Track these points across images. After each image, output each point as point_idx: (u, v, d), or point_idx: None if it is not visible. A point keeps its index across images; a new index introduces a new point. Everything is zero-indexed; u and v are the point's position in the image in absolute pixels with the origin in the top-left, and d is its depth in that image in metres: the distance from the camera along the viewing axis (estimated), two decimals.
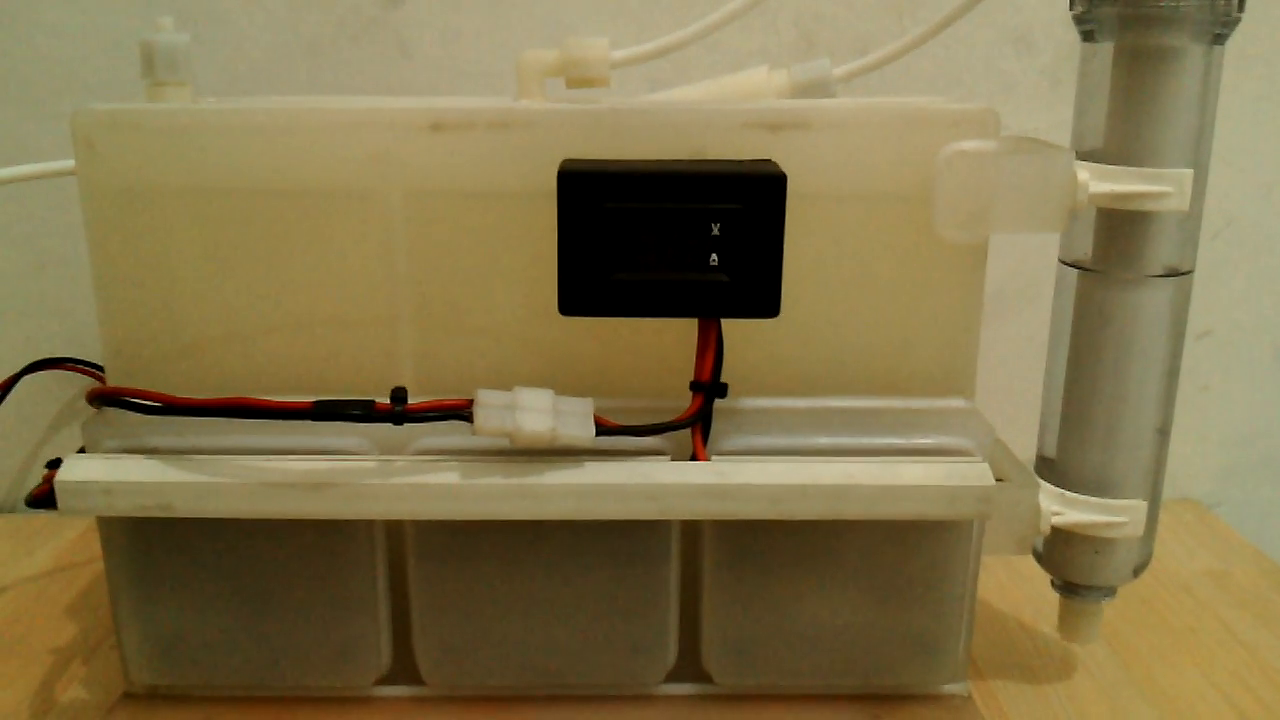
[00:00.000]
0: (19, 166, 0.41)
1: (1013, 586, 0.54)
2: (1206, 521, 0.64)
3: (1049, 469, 0.43)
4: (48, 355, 0.60)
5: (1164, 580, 0.56)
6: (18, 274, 0.63)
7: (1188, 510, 0.65)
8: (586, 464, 0.37)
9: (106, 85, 0.59)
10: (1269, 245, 0.62)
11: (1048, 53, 0.59)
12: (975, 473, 0.37)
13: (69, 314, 0.63)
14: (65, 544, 0.61)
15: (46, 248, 0.63)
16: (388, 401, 0.36)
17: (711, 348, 0.37)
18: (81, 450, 0.39)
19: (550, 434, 0.36)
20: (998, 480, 0.39)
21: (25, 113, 0.60)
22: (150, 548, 0.40)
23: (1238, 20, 0.39)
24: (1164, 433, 0.42)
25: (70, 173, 0.39)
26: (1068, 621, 0.45)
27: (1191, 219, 0.40)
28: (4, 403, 0.59)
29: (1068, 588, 0.44)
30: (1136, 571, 0.44)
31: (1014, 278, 0.60)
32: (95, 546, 0.60)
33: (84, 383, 0.64)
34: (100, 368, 0.58)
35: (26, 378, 0.59)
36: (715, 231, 0.35)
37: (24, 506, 0.66)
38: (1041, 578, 0.45)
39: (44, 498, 0.38)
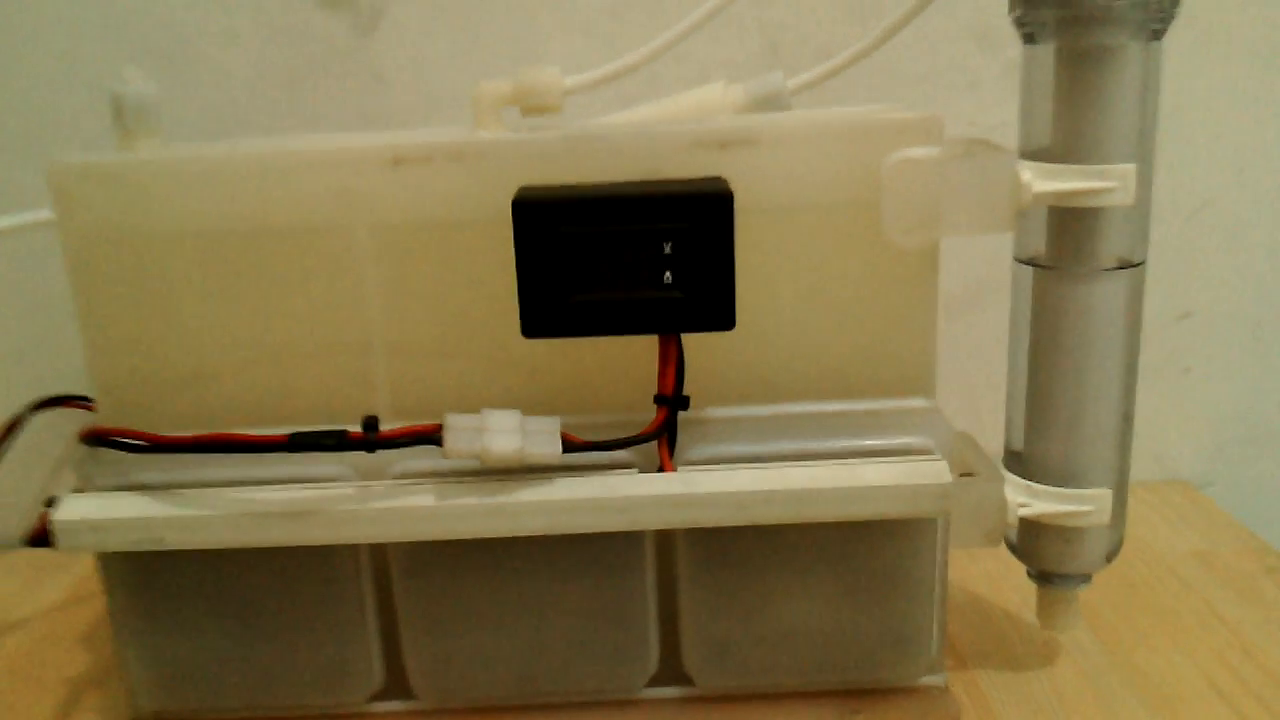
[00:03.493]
0: (2, 218, 0.43)
1: (1000, 575, 0.55)
2: (1196, 502, 0.64)
3: (1017, 462, 0.44)
4: (55, 392, 0.62)
5: (1150, 562, 0.56)
6: (22, 313, 0.65)
7: (1177, 491, 0.65)
8: (556, 480, 0.38)
9: (87, 129, 0.61)
10: (1244, 226, 0.63)
11: (1011, 48, 0.59)
12: (934, 470, 0.38)
13: (72, 351, 0.65)
14: (77, 577, 0.63)
15: (47, 287, 0.64)
16: (360, 430, 0.37)
17: (672, 362, 0.38)
18: (76, 489, 0.41)
19: (518, 453, 0.37)
20: (966, 475, 0.40)
21: (7, 159, 0.62)
22: (147, 579, 0.42)
23: (1174, 16, 0.39)
24: (1127, 421, 0.43)
25: (49, 224, 0.40)
26: (1045, 610, 0.46)
27: (1139, 212, 0.41)
28: (13, 441, 0.61)
29: (1042, 577, 0.45)
30: (1109, 558, 0.44)
31: (980, 274, 0.60)
32: None
33: (88, 419, 0.65)
34: None
35: (35, 415, 0.61)
36: (667, 250, 0.36)
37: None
38: (1021, 567, 0.46)
39: (42, 536, 0.40)
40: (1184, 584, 0.55)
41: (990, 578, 0.55)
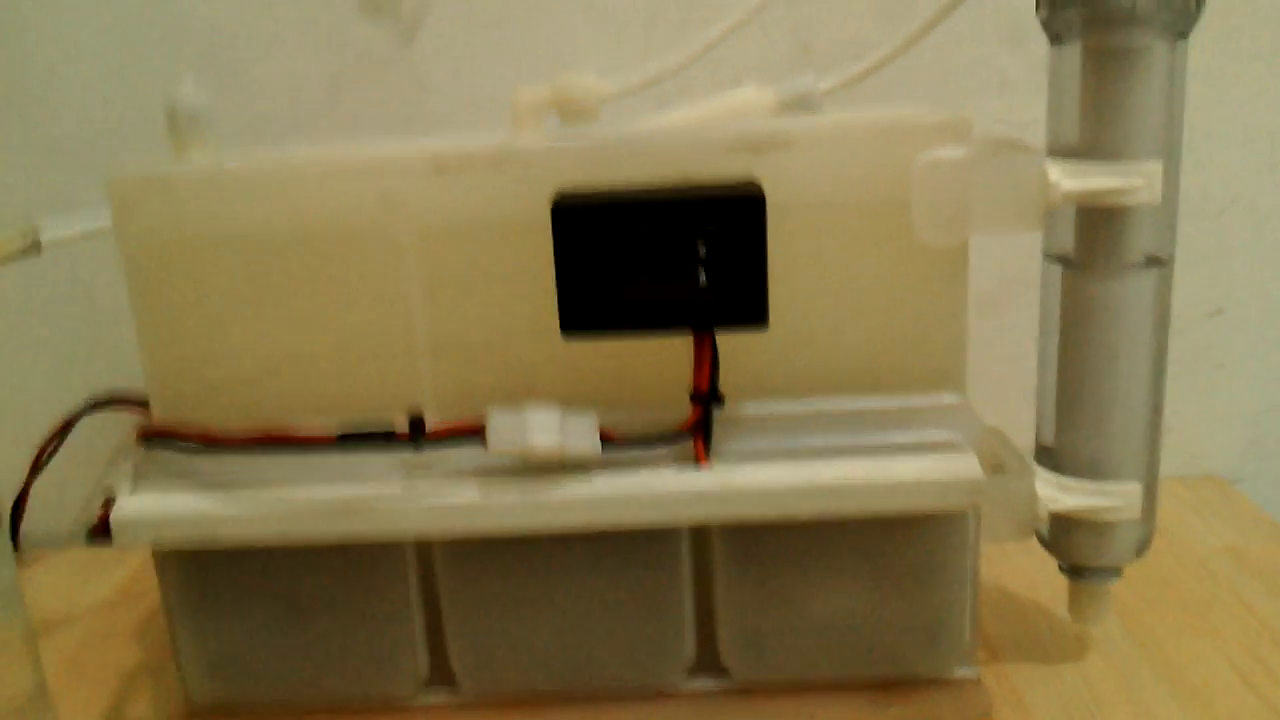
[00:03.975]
0: (67, 228, 0.45)
1: (1031, 570, 0.56)
2: (1228, 497, 0.64)
3: (1048, 456, 0.45)
4: (105, 393, 0.64)
5: (1181, 557, 0.57)
6: (75, 316, 0.67)
7: (1209, 487, 0.66)
8: (596, 476, 0.40)
9: (140, 137, 0.63)
10: (1274, 222, 0.63)
11: (1040, 49, 0.60)
12: (964, 465, 0.39)
13: (124, 352, 0.67)
14: (130, 572, 0.65)
15: (100, 291, 0.66)
16: (406, 428, 0.38)
17: (707, 360, 0.39)
18: (133, 486, 0.42)
19: (559, 450, 0.38)
20: (997, 469, 0.41)
21: (64, 168, 0.64)
22: (201, 573, 0.43)
23: (1199, 15, 0.40)
24: (1157, 414, 0.44)
25: (109, 231, 0.42)
26: (1077, 604, 0.46)
27: (1166, 209, 0.41)
28: (66, 440, 0.63)
29: (1074, 570, 0.46)
30: (1139, 551, 0.45)
31: (1008, 271, 0.61)
32: (154, 577, 0.64)
33: (138, 419, 0.67)
34: None
35: (87, 416, 0.63)
36: (702, 251, 0.37)
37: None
38: (1053, 561, 0.46)
39: (101, 533, 0.41)
40: (1215, 578, 0.55)
41: (1021, 572, 0.56)
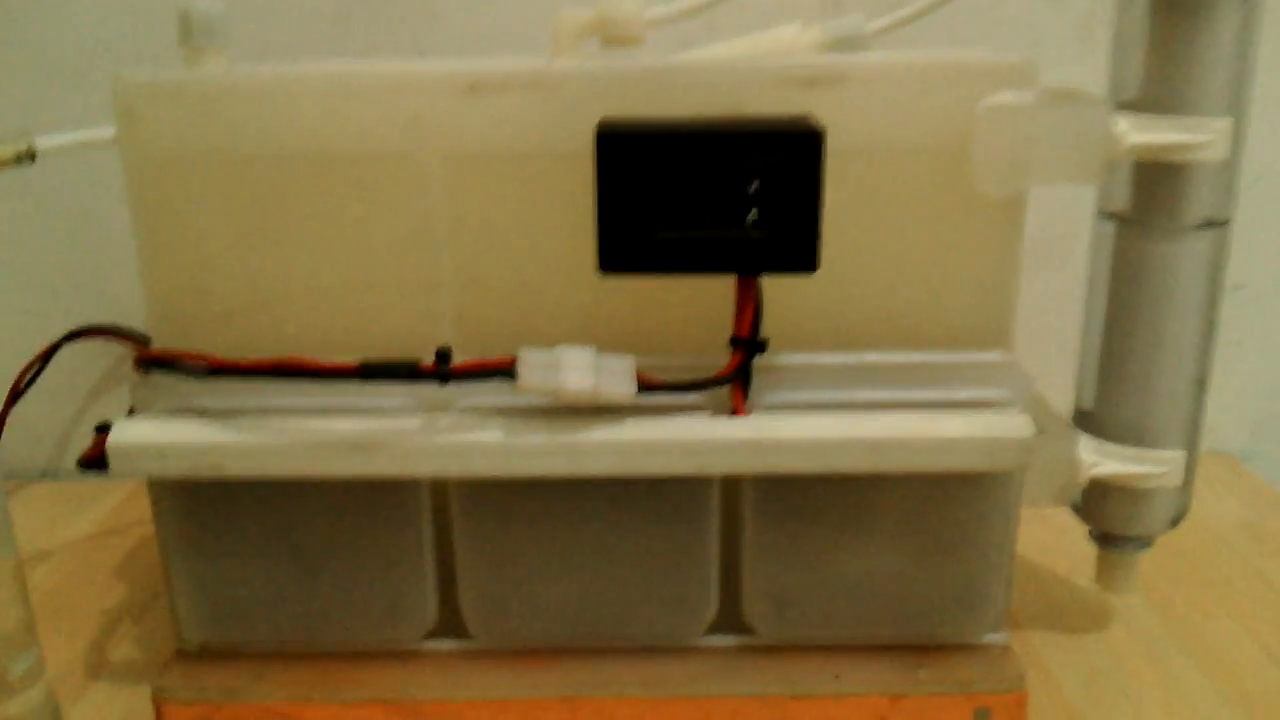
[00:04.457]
0: (61, 135, 0.42)
1: (1048, 539, 0.55)
2: (1239, 474, 0.64)
3: (1087, 421, 0.43)
4: (85, 324, 0.61)
5: (1199, 532, 0.56)
6: (54, 244, 0.64)
7: (1220, 463, 0.65)
8: (628, 421, 0.38)
9: (137, 54, 0.60)
10: None
11: (1080, 5, 0.58)
12: (1015, 424, 0.38)
13: (105, 283, 0.64)
14: (109, 509, 0.62)
15: (82, 218, 0.63)
16: (432, 361, 0.36)
17: (750, 304, 0.38)
18: (131, 413, 0.40)
19: (592, 391, 0.36)
20: (1038, 432, 0.40)
21: (57, 83, 0.60)
22: (200, 507, 0.41)
23: None
24: (1201, 383, 0.42)
25: (111, 142, 0.39)
26: (1105, 572, 0.45)
27: (1229, 169, 0.40)
28: (44, 371, 0.60)
29: (1105, 538, 0.44)
30: (1174, 522, 0.44)
31: (1047, 230, 0.59)
32: (138, 510, 0.62)
33: (121, 352, 0.65)
34: (138, 335, 0.59)
35: (65, 346, 0.60)
36: (753, 188, 0.35)
37: (66, 472, 0.68)
38: (1077, 530, 0.45)
39: (96, 460, 0.39)
40: (1234, 553, 0.54)
41: (1041, 543, 0.55)
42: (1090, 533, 0.45)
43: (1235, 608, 0.49)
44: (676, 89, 0.37)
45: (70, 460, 0.67)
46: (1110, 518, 0.43)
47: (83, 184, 0.62)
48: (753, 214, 0.36)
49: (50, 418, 0.67)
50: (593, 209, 0.36)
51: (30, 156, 0.42)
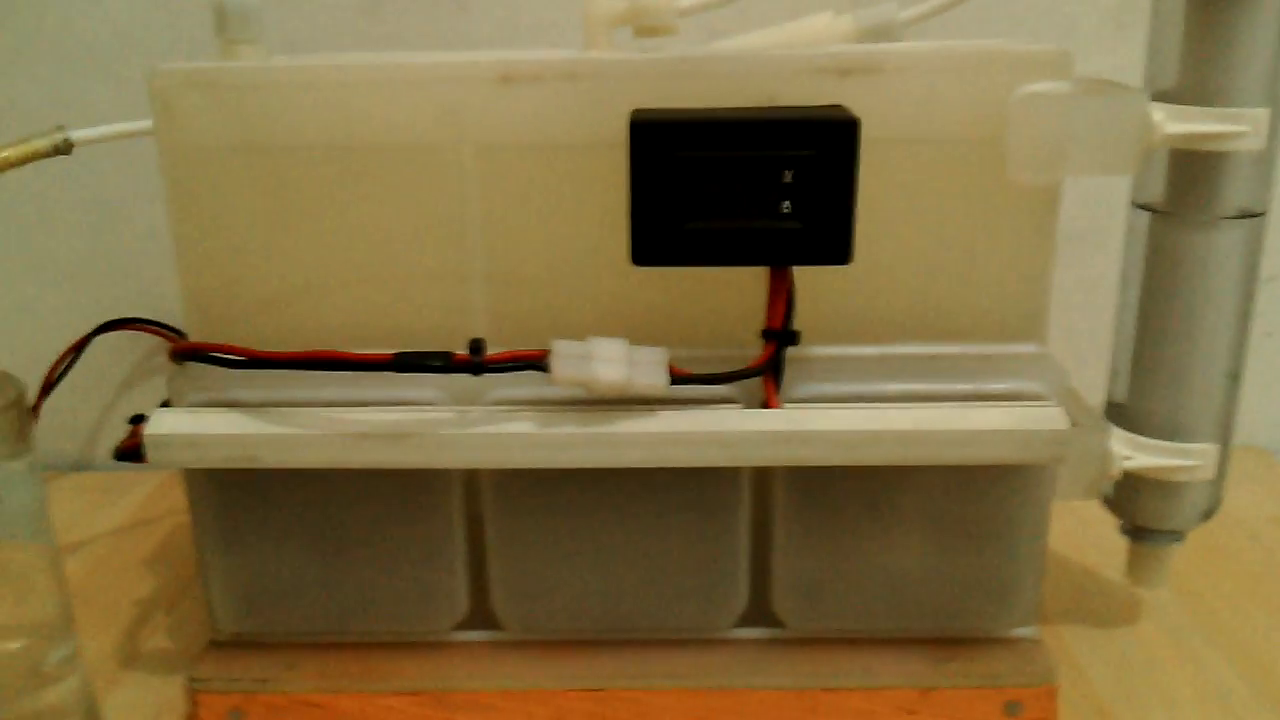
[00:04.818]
0: (99, 128, 0.42)
1: (1076, 533, 0.54)
2: (1271, 468, 0.63)
3: (1119, 414, 0.43)
4: (117, 316, 0.61)
5: (1230, 527, 0.55)
6: (87, 236, 0.65)
7: (1251, 457, 0.64)
8: (660, 413, 0.38)
9: (168, 47, 0.60)
10: None
11: None
12: (1049, 417, 0.37)
13: (138, 275, 0.65)
14: (139, 499, 0.63)
15: (115, 210, 0.64)
16: (466, 352, 0.36)
17: (783, 295, 0.37)
18: (165, 404, 0.40)
19: (625, 383, 0.36)
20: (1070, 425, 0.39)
21: (90, 77, 0.61)
22: (235, 498, 0.41)
23: None
24: (1235, 377, 0.42)
25: (148, 133, 0.39)
26: (1136, 566, 0.45)
27: (1266, 159, 0.39)
28: (77, 363, 0.61)
29: (1137, 532, 0.44)
30: (1206, 516, 0.43)
31: (1078, 223, 0.59)
32: (169, 501, 0.62)
33: (153, 343, 0.65)
34: (170, 327, 0.60)
35: (98, 338, 0.61)
36: (787, 179, 0.35)
37: (99, 464, 0.68)
38: (1105, 524, 0.45)
39: (132, 451, 0.39)
40: (1264, 548, 0.54)
41: (1068, 535, 0.54)
42: (1121, 527, 0.45)
43: (1267, 602, 0.49)
44: (709, 79, 0.37)
45: (103, 451, 0.68)
46: (1142, 511, 0.43)
47: (115, 176, 0.63)
48: (786, 205, 0.36)
49: (83, 409, 0.67)
50: (625, 200, 0.36)
51: (67, 149, 0.42)
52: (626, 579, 0.42)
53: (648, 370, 0.37)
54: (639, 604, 0.42)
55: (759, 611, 0.42)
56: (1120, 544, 0.45)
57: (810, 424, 0.37)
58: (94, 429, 0.68)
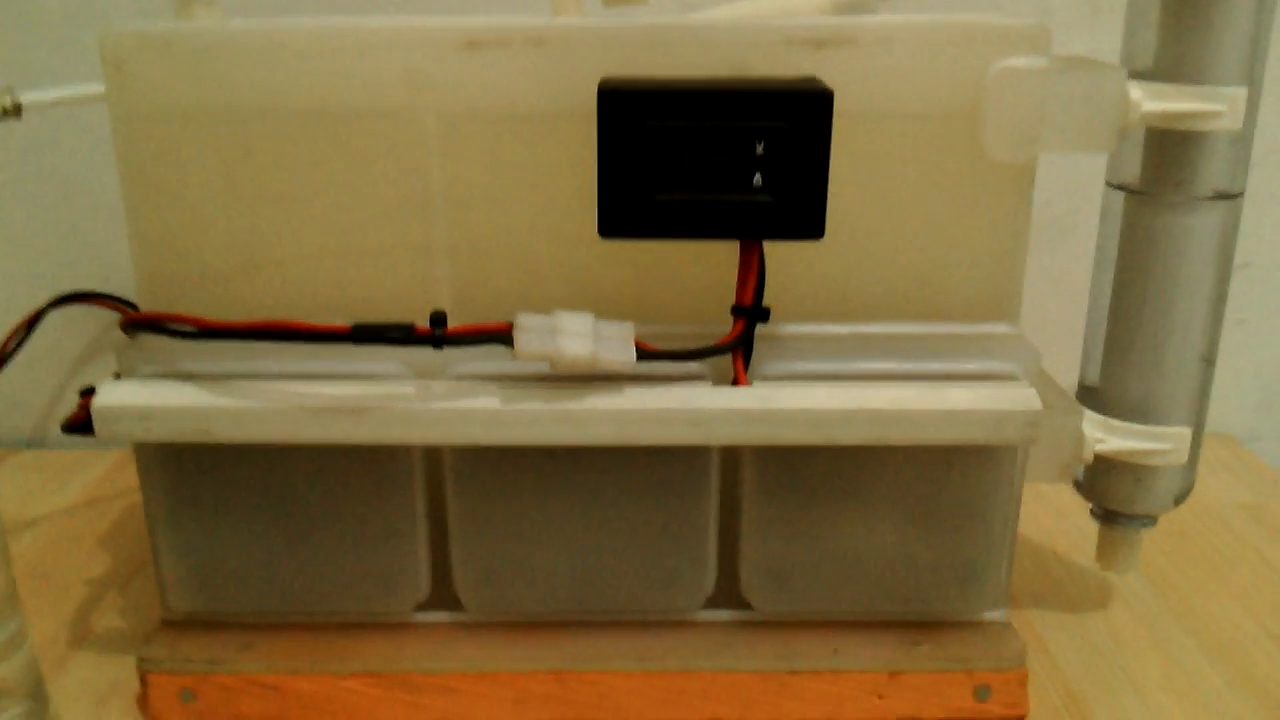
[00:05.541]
0: (48, 90, 0.40)
1: (1046, 518, 0.54)
2: (1240, 456, 0.63)
3: (1091, 397, 0.43)
4: (73, 289, 0.60)
5: (1199, 513, 0.55)
6: (40, 208, 0.63)
7: (1222, 445, 0.64)
8: (627, 389, 0.37)
9: (123, 13, 0.58)
10: None
11: None
12: (1023, 397, 0.37)
13: (92, 248, 0.63)
14: (94, 478, 0.61)
15: (71, 181, 0.62)
16: (427, 325, 0.35)
17: (754, 271, 0.37)
18: (117, 377, 0.39)
19: (591, 358, 0.35)
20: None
21: (41, 41, 0.59)
22: (188, 474, 0.40)
23: None
24: (1210, 360, 0.42)
25: (99, 98, 0.38)
26: (1107, 551, 0.44)
27: (1243, 140, 0.39)
28: (29, 338, 0.59)
29: (1108, 516, 0.44)
30: (1178, 500, 0.43)
31: (1051, 206, 0.59)
32: (124, 480, 0.61)
33: (111, 318, 0.63)
34: (127, 302, 0.58)
35: (51, 313, 0.59)
36: (759, 151, 0.34)
37: (52, 442, 0.67)
38: (1075, 511, 0.45)
39: (81, 424, 0.38)
40: (1235, 535, 0.54)
41: (1036, 520, 0.54)
42: (1092, 511, 0.44)
43: (1235, 589, 0.49)
44: (681, 48, 0.36)
45: (55, 429, 0.66)
46: (1114, 495, 0.43)
47: (68, 147, 0.61)
48: (758, 178, 0.35)
49: (35, 386, 0.66)
50: (593, 172, 0.35)
51: (16, 111, 0.41)
52: (591, 560, 0.41)
53: (614, 345, 0.36)
54: (604, 586, 0.41)
55: (727, 594, 0.42)
56: (1089, 529, 0.45)
57: (781, 402, 0.37)
58: (47, 407, 0.66)
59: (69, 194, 0.62)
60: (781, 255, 0.37)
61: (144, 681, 0.41)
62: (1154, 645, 0.44)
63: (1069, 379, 0.44)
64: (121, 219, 0.39)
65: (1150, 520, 0.43)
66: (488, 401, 0.36)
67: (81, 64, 0.57)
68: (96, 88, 0.38)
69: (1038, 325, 0.50)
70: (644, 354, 0.36)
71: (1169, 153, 0.39)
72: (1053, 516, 0.54)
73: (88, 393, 0.38)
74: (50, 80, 0.58)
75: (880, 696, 0.40)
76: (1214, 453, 0.63)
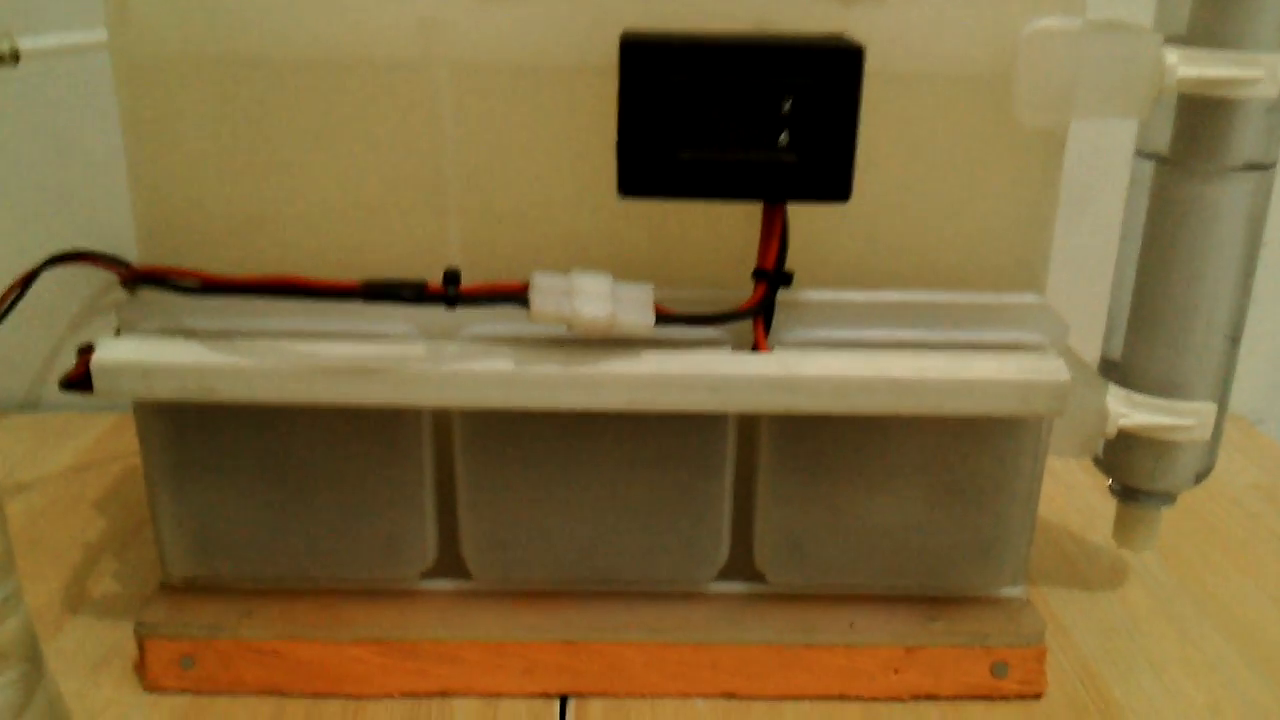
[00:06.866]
0: (49, 36, 0.39)
1: (1057, 494, 0.53)
2: (1251, 437, 0.63)
3: (1115, 371, 0.42)
4: (69, 248, 0.58)
5: (1213, 493, 0.55)
6: (37, 164, 0.61)
7: (1232, 425, 0.63)
8: (644, 353, 0.36)
9: None
10: None
11: None
12: (1051, 368, 0.36)
13: (91, 205, 0.61)
14: (89, 441, 0.60)
15: (67, 137, 0.61)
16: (440, 283, 0.34)
17: (777, 233, 0.36)
18: (117, 333, 0.38)
19: (609, 320, 0.34)
20: None
21: None
22: (188, 433, 0.39)
23: None
24: (1236, 333, 0.41)
25: (101, 45, 0.37)
26: (1124, 528, 0.44)
27: (1277, 109, 0.38)
28: (24, 298, 0.58)
29: (1127, 493, 0.43)
30: (1199, 478, 0.42)
31: (1076, 175, 0.58)
32: (120, 444, 0.60)
33: (105, 278, 0.62)
34: (123, 261, 0.57)
35: (47, 272, 0.58)
36: (786, 108, 0.33)
37: (47, 403, 0.65)
38: (1090, 488, 0.44)
39: (80, 381, 0.37)
40: (1248, 514, 0.53)
41: (1047, 497, 0.53)
42: (1111, 487, 0.43)
43: (1249, 567, 0.48)
44: (705, 1, 0.35)
45: (51, 391, 0.65)
46: (1135, 471, 0.42)
47: (67, 100, 0.60)
48: (784, 137, 0.34)
49: (31, 346, 0.64)
50: (612, 128, 0.34)
51: (14, 58, 0.40)
52: (603, 529, 0.40)
53: (632, 308, 0.35)
54: (615, 555, 0.40)
55: (741, 565, 0.41)
56: (1105, 506, 0.44)
57: (803, 368, 0.36)
58: (42, 367, 0.65)
59: (66, 149, 0.61)
60: (805, 218, 0.36)
61: (141, 647, 0.40)
62: (1170, 624, 0.44)
63: (1088, 354, 0.43)
64: (118, 178, 0.38)
65: (1170, 498, 0.43)
66: (502, 364, 0.35)
67: (83, 13, 0.56)
68: (99, 34, 0.37)
69: (1056, 299, 0.49)
70: (662, 318, 0.35)
71: (1201, 120, 0.38)
72: (1064, 493, 0.53)
73: (87, 349, 0.37)
74: (48, 25, 0.57)
75: (896, 671, 0.39)
76: (1226, 433, 0.62)
